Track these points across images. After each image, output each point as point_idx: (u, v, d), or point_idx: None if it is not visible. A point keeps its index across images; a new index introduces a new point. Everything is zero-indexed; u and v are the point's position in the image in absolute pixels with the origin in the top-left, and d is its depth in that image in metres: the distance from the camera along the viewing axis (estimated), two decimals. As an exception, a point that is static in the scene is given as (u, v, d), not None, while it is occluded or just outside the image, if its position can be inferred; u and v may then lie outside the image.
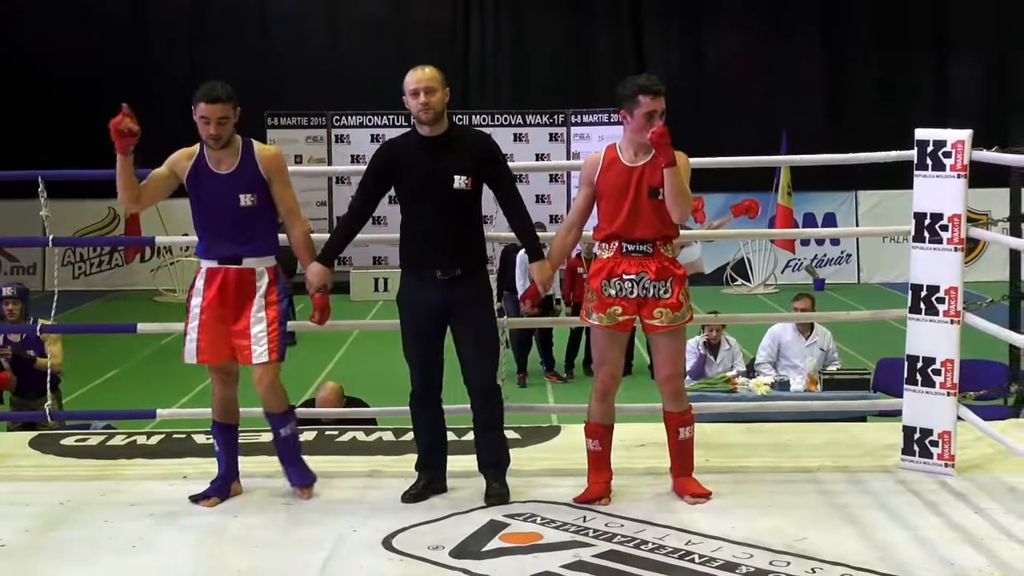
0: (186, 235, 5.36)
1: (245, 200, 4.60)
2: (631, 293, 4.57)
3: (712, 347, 9.24)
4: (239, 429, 4.90)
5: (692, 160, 4.77)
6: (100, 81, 19.41)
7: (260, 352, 4.61)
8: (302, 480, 4.82)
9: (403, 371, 4.78)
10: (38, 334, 7.23)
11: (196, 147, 4.66)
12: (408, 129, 4.84)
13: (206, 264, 4.68)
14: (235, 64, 18.56)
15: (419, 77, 4.58)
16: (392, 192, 4.79)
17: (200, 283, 4.67)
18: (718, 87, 20.74)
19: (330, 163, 19.07)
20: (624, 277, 4.56)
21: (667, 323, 4.58)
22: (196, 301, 4.66)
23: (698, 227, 17.57)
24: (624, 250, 4.56)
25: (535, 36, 21.07)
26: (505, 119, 19.33)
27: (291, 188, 4.76)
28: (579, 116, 19.34)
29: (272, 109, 18.78)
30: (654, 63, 20.58)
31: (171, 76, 19.70)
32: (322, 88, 19.82)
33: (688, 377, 8.77)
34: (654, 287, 4.55)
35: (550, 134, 19.50)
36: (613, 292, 4.58)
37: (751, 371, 8.94)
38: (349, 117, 19.50)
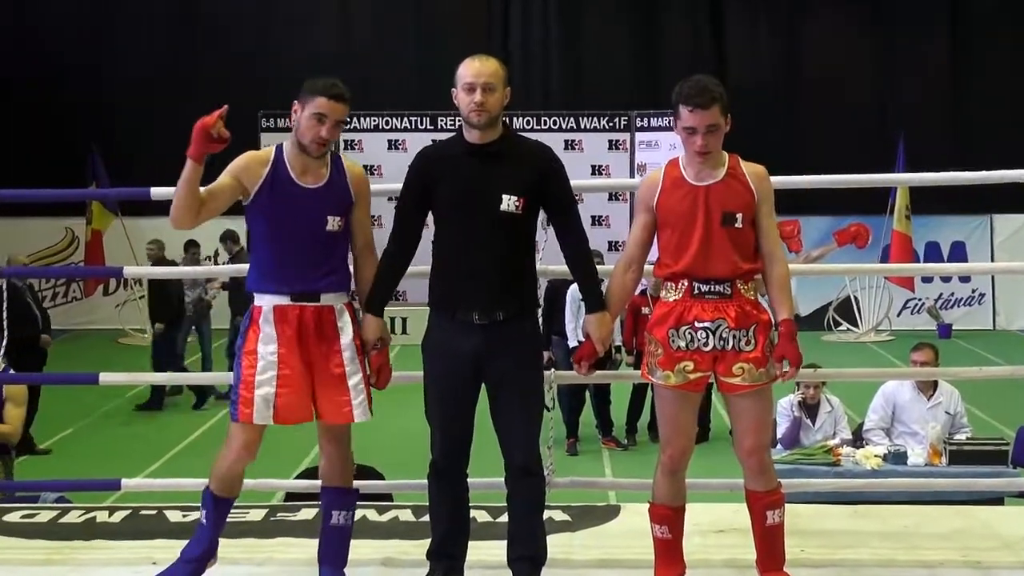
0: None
1: (333, 223, 4.58)
2: (705, 345, 4.54)
3: (809, 408, 9.19)
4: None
5: (785, 179, 4.78)
6: (60, 82, 19.65)
7: (361, 408, 4.59)
8: None
9: (424, 435, 4.78)
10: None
11: (269, 151, 4.63)
12: (449, 134, 4.85)
13: (272, 300, 4.55)
14: (225, 55, 18.66)
15: (478, 70, 4.55)
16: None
17: (268, 326, 4.54)
18: (818, 86, 20.69)
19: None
20: (696, 325, 4.53)
21: (750, 382, 4.56)
22: (269, 348, 4.51)
23: (793, 258, 17.46)
24: (696, 291, 4.54)
25: (591, 24, 21.09)
26: (554, 123, 19.25)
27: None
28: (645, 119, 19.28)
29: (268, 109, 18.86)
30: (737, 57, 20.63)
31: (149, 66, 19.85)
32: (329, 85, 19.90)
33: (779, 446, 8.74)
34: (734, 337, 4.53)
35: (609, 141, 19.45)
36: (683, 344, 4.56)
37: (858, 439, 8.89)
38: (361, 119, 19.36)
